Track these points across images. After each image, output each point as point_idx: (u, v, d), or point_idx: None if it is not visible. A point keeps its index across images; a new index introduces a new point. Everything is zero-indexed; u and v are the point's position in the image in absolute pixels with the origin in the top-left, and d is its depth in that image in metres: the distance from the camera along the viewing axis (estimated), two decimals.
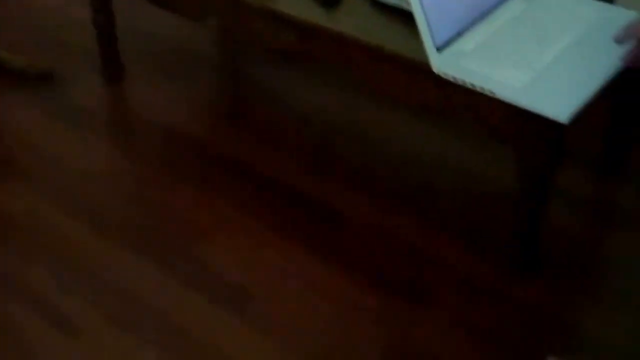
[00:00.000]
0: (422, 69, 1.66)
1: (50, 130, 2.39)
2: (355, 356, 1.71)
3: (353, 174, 2.21)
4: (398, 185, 2.16)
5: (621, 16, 1.78)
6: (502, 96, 1.59)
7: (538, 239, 1.84)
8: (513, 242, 1.87)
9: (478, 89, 1.61)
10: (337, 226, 2.04)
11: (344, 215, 2.06)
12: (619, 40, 1.65)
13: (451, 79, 1.63)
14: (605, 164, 2.16)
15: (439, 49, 1.66)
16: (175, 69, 2.66)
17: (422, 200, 2.11)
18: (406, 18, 1.75)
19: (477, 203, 2.09)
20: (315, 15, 1.87)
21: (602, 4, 1.87)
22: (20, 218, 2.08)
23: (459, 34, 1.71)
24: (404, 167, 2.23)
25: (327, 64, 1.95)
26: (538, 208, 1.78)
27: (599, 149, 2.16)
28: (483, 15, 1.78)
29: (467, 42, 1.71)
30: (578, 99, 1.58)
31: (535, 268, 1.88)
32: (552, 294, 1.83)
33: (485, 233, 1.99)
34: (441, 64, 1.65)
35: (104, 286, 1.88)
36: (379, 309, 1.81)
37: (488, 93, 1.60)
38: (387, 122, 2.39)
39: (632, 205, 2.04)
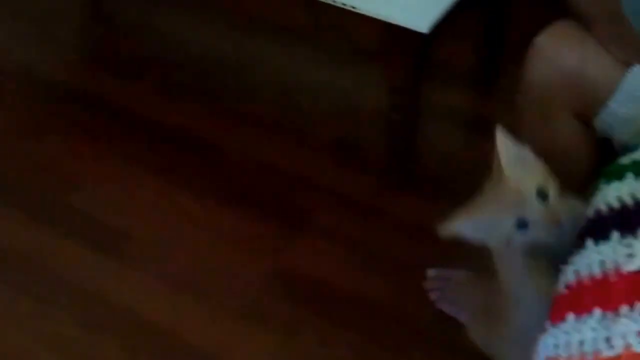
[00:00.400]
0: None
1: None
2: (236, 284, 1.72)
3: (225, 105, 2.18)
4: (271, 111, 2.14)
5: None
6: (363, 10, 1.59)
7: (412, 153, 1.86)
8: (388, 158, 1.89)
9: (339, 5, 1.60)
10: (212, 159, 2.01)
11: (218, 147, 2.04)
12: None
13: None
14: (479, 77, 2.20)
15: None
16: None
17: (297, 124, 2.10)
18: None
19: (352, 122, 2.09)
20: None
21: None
22: None
23: None
24: (276, 93, 2.21)
25: None
26: (409, 122, 1.80)
27: (473, 62, 2.18)
28: None
29: None
30: (437, 8, 1.60)
31: (411, 182, 1.91)
32: (430, 207, 1.84)
33: (360, 151, 2.01)
34: None
35: None
36: (258, 236, 1.82)
37: (350, 8, 1.60)
38: (257, 49, 2.34)
39: (505, 116, 2.06)
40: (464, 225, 1.19)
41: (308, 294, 1.71)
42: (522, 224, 1.12)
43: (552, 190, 1.13)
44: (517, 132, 1.43)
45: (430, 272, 1.69)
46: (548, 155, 1.45)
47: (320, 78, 2.23)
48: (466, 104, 2.18)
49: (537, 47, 1.39)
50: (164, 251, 1.79)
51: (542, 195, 1.12)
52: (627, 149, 1.35)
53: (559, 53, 1.36)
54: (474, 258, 1.66)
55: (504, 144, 1.17)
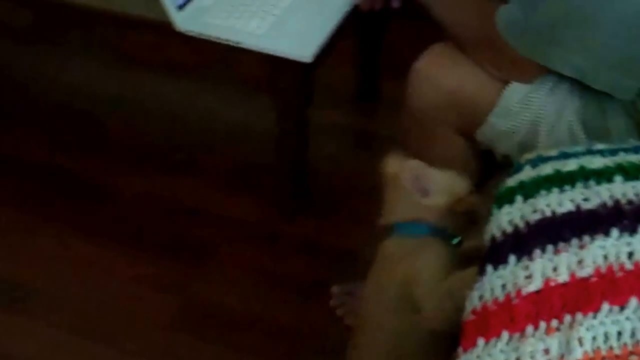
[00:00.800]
0: (168, 28, 1.64)
1: None
2: (143, 325, 1.71)
3: (114, 143, 2.16)
4: (162, 146, 2.14)
5: None
6: (248, 45, 1.61)
7: (306, 176, 1.90)
8: (283, 183, 1.91)
9: (224, 42, 1.62)
10: (105, 200, 1.99)
11: (110, 187, 2.02)
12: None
13: (197, 35, 1.63)
14: (361, 94, 2.26)
15: (180, 7, 1.65)
16: None
17: (190, 158, 2.10)
18: None
19: (245, 151, 2.11)
20: None
21: None
22: None
23: None
24: (166, 128, 2.20)
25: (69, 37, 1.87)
26: (299, 146, 1.83)
27: (354, 80, 2.24)
28: None
29: None
30: (319, 37, 1.63)
31: (308, 204, 1.94)
32: (329, 226, 1.90)
33: (256, 179, 2.02)
34: (184, 22, 1.65)
35: None
36: (159, 274, 1.81)
37: (234, 44, 1.62)
38: (143, 86, 2.34)
39: (388, 131, 2.12)
40: (413, 169, 1.23)
41: (216, 327, 1.71)
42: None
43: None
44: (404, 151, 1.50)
45: (334, 289, 1.73)
46: None
47: (209, 111, 2.23)
48: (352, 123, 2.23)
49: (416, 71, 1.45)
50: (66, 300, 1.76)
51: None
52: (508, 158, 1.43)
53: (437, 75, 1.42)
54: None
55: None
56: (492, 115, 1.39)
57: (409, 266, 1.22)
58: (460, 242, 1.24)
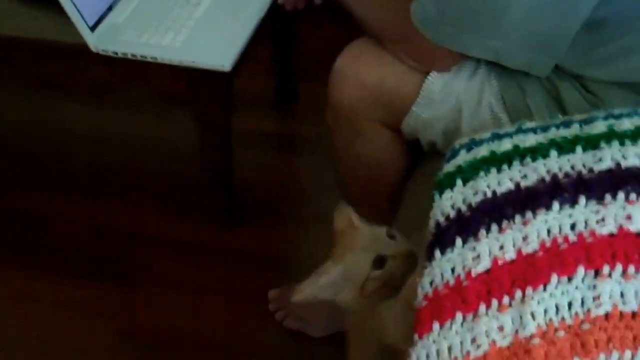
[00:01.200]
0: (83, 50, 1.61)
1: None
2: (83, 352, 1.68)
3: (41, 169, 2.11)
4: (88, 170, 2.10)
5: None
6: (165, 60, 1.60)
7: (233, 186, 1.88)
8: (212, 196, 1.89)
9: (140, 58, 1.60)
10: (36, 230, 1.95)
11: (40, 216, 1.98)
12: None
13: (112, 54, 1.61)
14: (279, 98, 2.26)
15: (93, 27, 1.62)
16: None
17: (117, 180, 2.07)
18: (58, 7, 1.68)
19: (173, 168, 2.09)
20: None
21: None
22: None
23: (110, 9, 1.68)
24: (90, 151, 2.16)
25: None
26: (225, 158, 1.82)
27: (271, 84, 2.24)
28: None
29: (119, 15, 1.68)
30: (236, 45, 1.63)
31: (240, 213, 1.93)
32: (265, 233, 1.90)
33: (187, 195, 2.00)
34: (98, 41, 1.62)
35: None
36: (97, 300, 1.78)
37: (151, 60, 1.59)
38: (62, 110, 2.29)
39: (310, 132, 2.14)
40: (321, 287, 1.15)
41: (155, 348, 1.69)
42: (379, 261, 1.12)
43: (397, 232, 1.17)
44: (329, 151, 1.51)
45: (271, 293, 1.73)
46: (364, 169, 1.53)
47: (133, 131, 2.20)
48: (272, 127, 2.23)
49: (338, 69, 1.45)
50: (3, 336, 1.71)
51: (390, 235, 1.15)
52: (434, 146, 1.44)
53: (358, 71, 1.42)
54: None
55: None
56: (416, 106, 1.41)
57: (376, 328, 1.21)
58: None
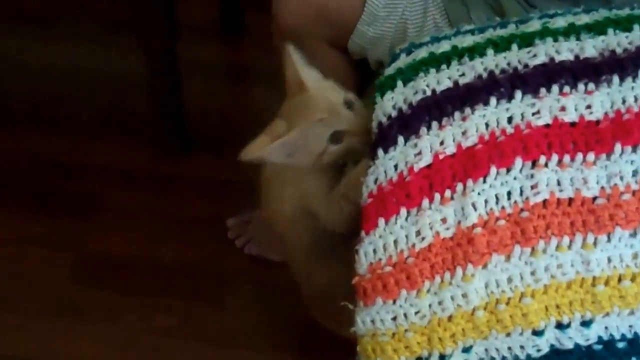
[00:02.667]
0: None
1: None
2: (43, 285, 1.68)
3: None
4: (34, 103, 2.07)
5: None
6: None
7: (183, 114, 1.88)
8: (162, 124, 1.90)
9: None
10: None
11: None
12: None
13: None
14: (226, 28, 2.24)
15: None
16: None
17: (62, 112, 2.04)
18: None
19: (118, 97, 2.07)
20: None
21: None
22: None
23: None
24: (34, 85, 2.13)
25: None
26: (172, 84, 1.82)
27: (218, 14, 2.23)
28: None
29: None
30: None
31: (189, 142, 1.93)
32: (213, 161, 1.89)
33: (134, 124, 1.99)
34: None
35: None
36: (51, 232, 1.77)
37: None
38: (2, 41, 2.24)
39: (258, 62, 2.13)
40: (273, 148, 1.10)
41: (116, 276, 1.70)
42: (336, 137, 1.10)
43: (355, 99, 1.14)
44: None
45: (230, 221, 1.74)
46: None
47: (74, 62, 2.17)
48: (220, 58, 2.22)
49: None
50: None
51: (348, 104, 1.13)
52: (382, 64, 1.46)
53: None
54: None
55: (297, 61, 1.14)
56: (361, 23, 1.41)
57: (298, 187, 1.22)
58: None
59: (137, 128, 1.98)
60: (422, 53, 1.07)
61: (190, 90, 1.91)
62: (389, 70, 1.07)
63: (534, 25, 1.05)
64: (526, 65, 0.99)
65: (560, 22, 1.03)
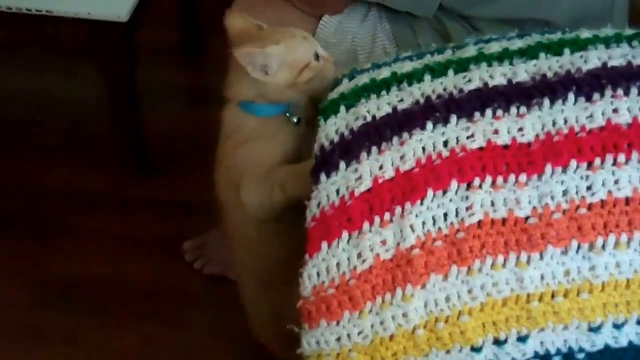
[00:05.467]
0: None
1: None
2: (8, 310, 1.70)
3: None
4: None
5: None
6: (60, 12, 1.61)
7: (143, 137, 1.90)
8: (123, 149, 1.92)
9: (36, 13, 1.60)
10: None
11: None
12: None
13: (6, 10, 1.61)
14: (186, 50, 2.27)
15: None
16: None
17: (26, 137, 2.06)
18: None
19: (79, 122, 2.09)
20: None
21: None
22: None
23: None
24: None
25: None
26: (132, 109, 1.84)
27: (178, 37, 2.26)
28: None
29: None
30: None
31: (151, 165, 1.95)
32: (173, 183, 1.92)
33: (96, 148, 2.02)
34: None
35: None
36: (14, 255, 1.79)
37: (47, 13, 1.60)
38: None
39: (218, 84, 2.13)
40: (267, 53, 1.17)
41: (79, 298, 1.71)
42: (317, 55, 1.20)
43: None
44: None
45: (187, 245, 1.76)
46: None
47: (36, 86, 2.19)
48: (181, 80, 2.24)
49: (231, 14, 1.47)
50: None
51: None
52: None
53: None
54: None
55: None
56: None
57: (248, 151, 1.23)
58: (299, 121, 1.23)
59: (98, 151, 2.00)
60: (364, 79, 1.10)
61: (151, 113, 1.93)
62: (333, 95, 1.10)
63: (470, 51, 1.09)
64: (461, 91, 1.03)
65: (495, 48, 1.07)
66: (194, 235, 1.76)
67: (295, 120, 1.22)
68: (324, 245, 1.00)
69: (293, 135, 1.23)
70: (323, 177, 1.03)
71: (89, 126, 2.08)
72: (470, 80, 1.03)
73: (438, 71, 1.06)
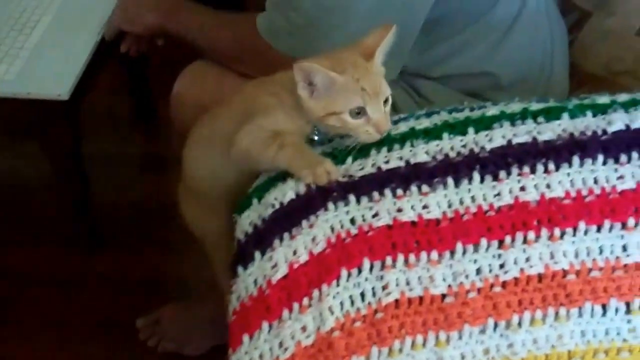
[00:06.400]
0: None
1: None
2: None
3: None
4: None
5: None
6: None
7: (92, 212, 1.89)
8: (73, 224, 1.90)
9: None
10: None
11: None
12: (111, 38, 1.67)
13: None
14: (138, 118, 2.27)
15: None
16: None
17: None
18: None
19: (28, 200, 2.07)
20: None
21: None
22: None
23: None
24: None
25: None
26: (79, 185, 1.82)
27: (129, 104, 2.25)
28: None
29: None
30: (73, 72, 1.64)
31: (102, 241, 1.93)
32: (127, 258, 1.90)
33: (44, 226, 1.99)
34: None
35: None
36: None
37: None
38: None
39: (171, 150, 2.12)
40: (322, 72, 1.02)
41: None
42: (358, 112, 1.03)
43: None
44: None
45: (139, 322, 1.73)
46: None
47: None
48: (134, 147, 2.24)
49: (176, 93, 1.47)
50: None
51: None
52: None
53: (198, 94, 1.43)
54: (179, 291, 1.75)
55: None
56: None
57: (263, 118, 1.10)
58: (320, 142, 1.11)
59: (47, 230, 1.98)
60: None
61: (103, 184, 1.93)
62: (250, 190, 1.10)
63: None
64: (351, 177, 1.04)
65: (402, 128, 1.08)
66: (147, 312, 1.73)
67: (316, 138, 1.10)
68: (245, 338, 0.99)
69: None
70: (240, 269, 1.03)
71: (39, 204, 2.06)
72: (363, 168, 1.04)
73: (340, 158, 1.06)
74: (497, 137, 1.02)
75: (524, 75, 1.43)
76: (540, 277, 0.95)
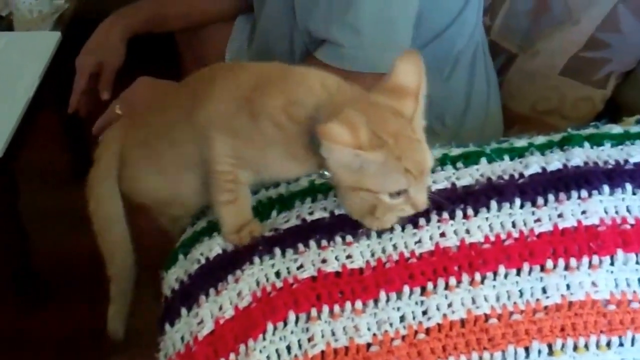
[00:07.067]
0: None
1: None
2: None
3: None
4: None
5: (23, 39, 1.85)
6: None
7: (31, 268, 1.86)
8: (12, 281, 1.86)
9: None
10: None
11: None
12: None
13: None
14: (76, 171, 2.25)
15: None
16: None
17: None
18: None
19: None
20: None
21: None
22: None
23: None
24: None
25: None
26: (17, 241, 1.81)
27: (66, 158, 2.24)
28: None
29: None
30: (5, 130, 1.62)
31: (43, 297, 1.91)
32: (69, 314, 1.87)
33: None
34: None
35: None
36: None
37: None
38: None
39: None
40: (348, 152, 0.87)
41: None
42: (399, 192, 0.92)
43: None
44: None
45: None
46: None
47: None
48: (74, 202, 2.19)
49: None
50: None
51: None
52: None
53: None
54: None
55: None
56: None
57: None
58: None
59: None
60: (202, 224, 1.12)
61: (43, 239, 1.89)
62: (176, 245, 1.10)
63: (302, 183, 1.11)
64: (277, 229, 1.05)
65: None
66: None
67: (327, 173, 0.98)
68: None
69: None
70: (167, 326, 1.03)
71: None
72: (288, 220, 1.05)
73: (264, 213, 1.08)
74: None
75: (464, 113, 1.45)
76: (462, 322, 0.95)
